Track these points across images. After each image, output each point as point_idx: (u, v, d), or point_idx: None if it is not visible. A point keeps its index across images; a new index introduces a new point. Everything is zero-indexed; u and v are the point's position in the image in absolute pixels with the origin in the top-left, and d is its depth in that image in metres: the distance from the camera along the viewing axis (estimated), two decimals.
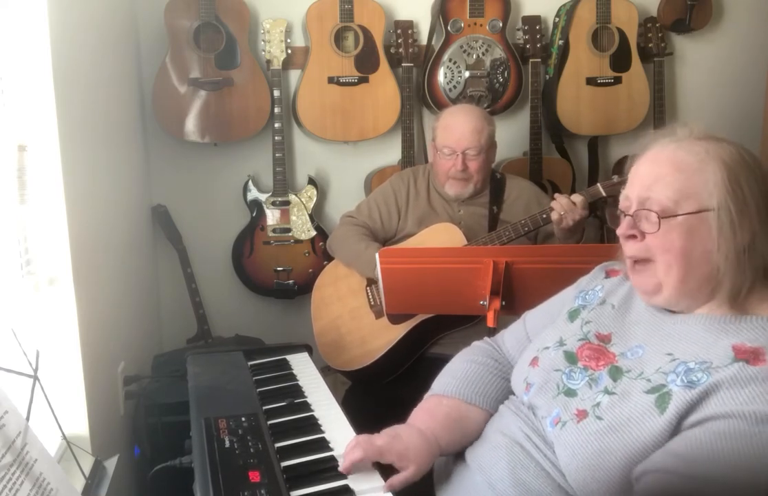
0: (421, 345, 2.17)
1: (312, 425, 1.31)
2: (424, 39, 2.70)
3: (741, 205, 1.02)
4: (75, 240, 1.62)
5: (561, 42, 2.67)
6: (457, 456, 1.27)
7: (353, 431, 1.27)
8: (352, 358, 2.17)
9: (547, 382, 1.17)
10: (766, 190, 1.06)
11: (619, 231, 1.13)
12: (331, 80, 2.59)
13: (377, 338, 2.16)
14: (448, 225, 2.19)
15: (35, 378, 1.12)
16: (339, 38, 2.60)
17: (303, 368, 1.63)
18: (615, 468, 0.99)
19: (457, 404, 1.29)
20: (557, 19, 2.73)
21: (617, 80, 2.69)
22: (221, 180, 2.71)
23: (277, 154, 2.59)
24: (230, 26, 2.51)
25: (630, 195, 1.12)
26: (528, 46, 2.66)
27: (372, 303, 2.21)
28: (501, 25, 2.63)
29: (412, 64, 2.61)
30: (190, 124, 2.53)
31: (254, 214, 2.66)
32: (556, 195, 2.03)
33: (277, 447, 1.21)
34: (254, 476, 1.08)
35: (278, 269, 2.68)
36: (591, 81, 2.68)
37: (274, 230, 2.65)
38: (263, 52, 2.56)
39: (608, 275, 1.29)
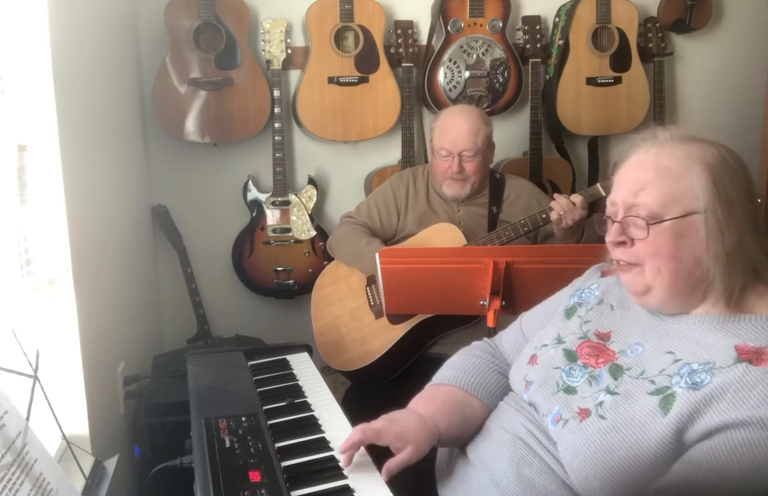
0: (421, 345, 2.17)
1: (312, 424, 1.32)
2: (424, 39, 2.70)
3: (727, 207, 1.03)
4: (75, 240, 1.62)
5: (561, 42, 2.67)
6: (459, 452, 1.27)
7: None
8: (352, 358, 2.17)
9: (547, 380, 1.17)
10: (750, 189, 1.07)
11: (608, 238, 1.13)
12: (331, 80, 2.59)
13: (377, 338, 2.16)
14: (448, 225, 2.19)
15: (35, 378, 1.12)
16: (339, 38, 2.60)
17: (303, 368, 1.63)
18: (617, 467, 0.99)
19: (456, 391, 1.30)
20: (557, 19, 2.73)
21: (617, 80, 2.69)
22: (221, 180, 2.71)
23: (277, 154, 2.59)
24: (230, 26, 2.51)
25: (616, 200, 1.12)
26: (528, 46, 2.66)
27: (372, 303, 2.21)
28: (501, 25, 2.63)
29: (412, 64, 2.61)
30: (190, 124, 2.53)
31: (254, 214, 2.66)
32: (556, 195, 2.03)
33: (278, 447, 1.21)
34: (254, 476, 1.09)
35: (278, 269, 2.68)
36: (591, 81, 2.68)
37: (274, 230, 2.65)
38: (263, 52, 2.56)
39: (604, 274, 1.30)
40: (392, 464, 1.13)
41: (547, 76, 2.75)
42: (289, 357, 1.69)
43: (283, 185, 2.62)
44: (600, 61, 2.68)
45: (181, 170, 2.68)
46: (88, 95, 1.86)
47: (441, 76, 2.63)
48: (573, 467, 1.05)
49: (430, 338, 2.16)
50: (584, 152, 2.85)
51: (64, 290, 1.60)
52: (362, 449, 1.17)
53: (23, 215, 1.53)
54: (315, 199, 2.68)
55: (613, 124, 2.73)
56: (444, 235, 2.16)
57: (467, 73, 2.62)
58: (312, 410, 1.38)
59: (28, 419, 1.03)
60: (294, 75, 2.69)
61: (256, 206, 2.65)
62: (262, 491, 1.04)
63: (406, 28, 2.62)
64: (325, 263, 2.53)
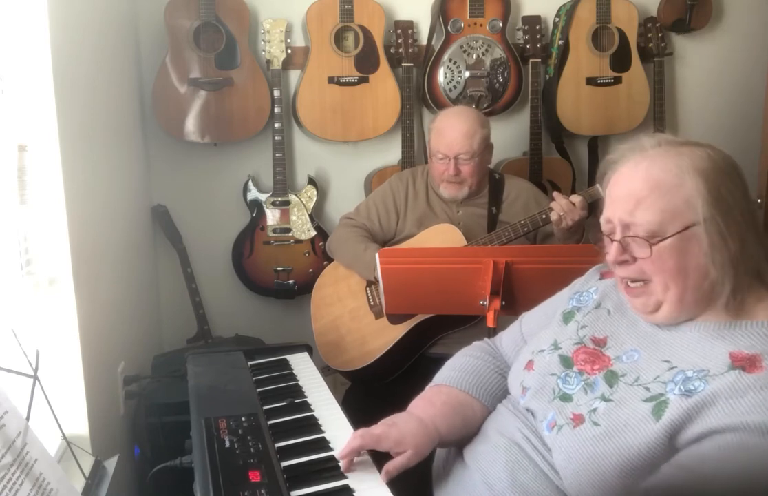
0: (421, 345, 2.17)
1: (312, 425, 1.32)
2: (424, 39, 2.70)
3: (726, 213, 1.01)
4: (75, 240, 1.62)
5: (561, 42, 2.67)
6: (455, 454, 1.27)
7: (353, 431, 1.27)
8: (352, 358, 2.17)
9: (543, 386, 1.16)
10: (744, 188, 1.05)
11: (610, 259, 1.11)
12: (331, 80, 2.59)
13: (377, 338, 2.16)
14: (447, 226, 2.18)
15: (35, 378, 1.12)
16: (339, 38, 2.60)
17: (303, 368, 1.63)
18: (610, 473, 0.99)
19: (456, 392, 1.29)
20: (557, 19, 2.73)
21: (617, 80, 2.69)
22: (221, 180, 2.71)
23: (277, 154, 2.59)
24: (230, 26, 2.51)
25: (611, 218, 1.10)
26: (528, 46, 2.66)
27: (372, 303, 2.21)
28: (501, 25, 2.63)
29: (412, 64, 2.61)
30: (190, 124, 2.53)
31: (254, 214, 2.66)
32: (555, 194, 2.03)
33: (278, 447, 1.21)
34: (254, 476, 1.09)
35: (278, 269, 2.68)
36: (591, 81, 2.68)
37: (274, 230, 2.65)
38: (263, 52, 2.56)
39: (603, 276, 1.29)
40: (391, 466, 1.13)
41: (547, 76, 2.75)
42: (289, 357, 1.69)
43: (283, 185, 2.62)
44: (600, 61, 2.68)
45: (181, 170, 2.68)
46: (88, 95, 1.86)
47: (441, 76, 2.63)
48: (567, 474, 1.05)
49: (430, 339, 2.16)
50: (584, 152, 2.85)
51: (64, 290, 1.60)
52: None
53: (23, 215, 1.53)
54: (315, 199, 2.68)
55: (613, 124, 2.73)
56: (444, 236, 2.16)
57: (467, 73, 2.62)
58: (312, 410, 1.38)
59: (28, 419, 1.03)
60: (294, 75, 2.69)
61: (256, 206, 2.65)
62: (262, 491, 1.04)
63: (406, 28, 2.62)
64: (325, 263, 2.53)
